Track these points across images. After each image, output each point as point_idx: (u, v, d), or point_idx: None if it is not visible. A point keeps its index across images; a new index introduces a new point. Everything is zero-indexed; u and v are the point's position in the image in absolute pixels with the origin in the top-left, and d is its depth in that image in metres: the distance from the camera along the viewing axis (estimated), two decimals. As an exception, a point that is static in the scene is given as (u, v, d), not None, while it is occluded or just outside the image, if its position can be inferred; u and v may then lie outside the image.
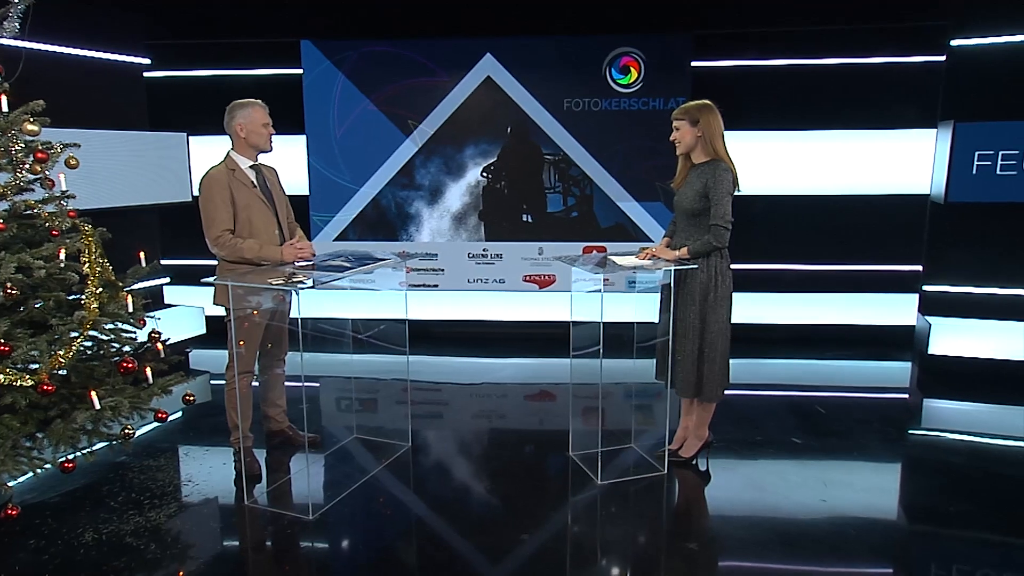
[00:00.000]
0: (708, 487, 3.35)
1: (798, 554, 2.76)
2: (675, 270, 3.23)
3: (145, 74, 5.44)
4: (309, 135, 5.68)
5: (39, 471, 2.77)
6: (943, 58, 5.01)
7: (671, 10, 5.37)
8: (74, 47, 4.83)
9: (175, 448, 3.76)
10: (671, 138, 3.36)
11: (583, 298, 3.66)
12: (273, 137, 3.46)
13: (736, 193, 3.25)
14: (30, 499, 3.16)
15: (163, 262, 5.54)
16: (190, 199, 5.34)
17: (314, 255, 3.40)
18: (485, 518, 3.08)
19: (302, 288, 2.86)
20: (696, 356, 3.31)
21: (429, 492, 3.33)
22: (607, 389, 4.23)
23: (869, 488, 3.33)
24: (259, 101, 3.41)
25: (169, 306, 5.50)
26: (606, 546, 2.87)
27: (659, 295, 3.51)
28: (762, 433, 3.92)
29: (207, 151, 5.60)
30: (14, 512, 2.63)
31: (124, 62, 5.22)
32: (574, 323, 3.57)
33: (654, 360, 3.53)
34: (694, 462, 3.53)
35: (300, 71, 5.57)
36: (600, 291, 3.20)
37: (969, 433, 3.99)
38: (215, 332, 5.49)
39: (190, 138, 5.39)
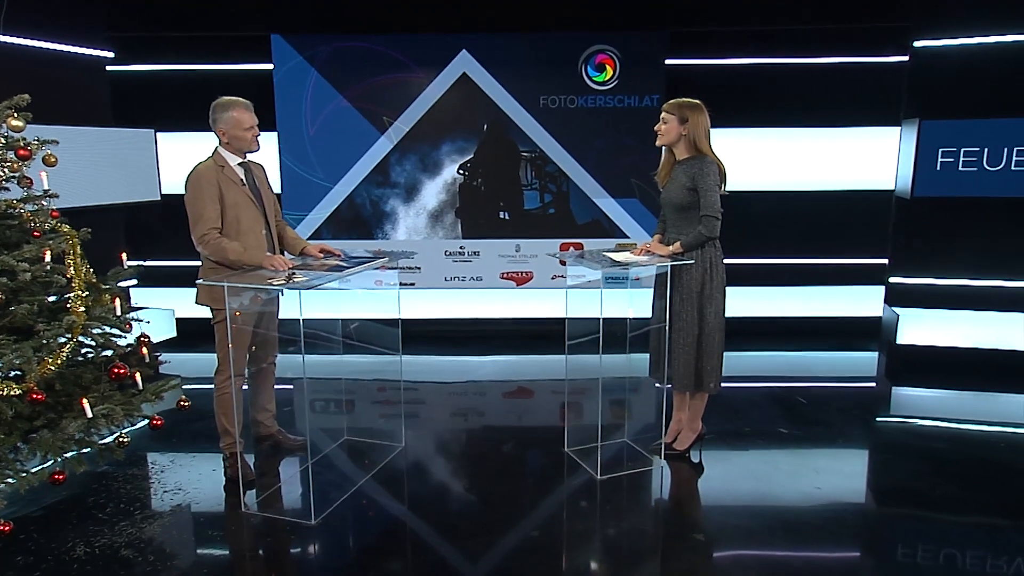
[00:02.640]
0: (706, 478, 3.40)
1: (803, 541, 2.83)
2: (671, 266, 3.27)
3: (108, 68, 5.21)
4: (280, 132, 5.54)
5: (26, 485, 2.63)
6: (906, 58, 5.19)
7: (645, 8, 5.43)
8: (31, 38, 4.60)
9: (159, 455, 3.63)
10: (656, 127, 3.39)
11: (576, 294, 3.68)
12: (259, 137, 3.36)
13: (723, 191, 3.31)
14: (9, 513, 2.99)
15: (129, 263, 5.33)
16: (159, 198, 5.16)
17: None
18: (491, 517, 3.06)
19: (291, 287, 2.79)
20: (695, 349, 3.36)
21: (430, 492, 3.30)
22: (588, 385, 4.26)
23: (859, 474, 3.46)
24: (243, 101, 3.27)
25: (136, 309, 5.29)
26: (614, 540, 2.89)
27: (652, 290, 3.56)
28: (749, 424, 4.01)
29: (175, 148, 5.45)
30: (7, 528, 2.50)
31: (85, 55, 5.00)
32: (570, 319, 3.58)
33: (647, 355, 3.58)
34: (688, 454, 3.59)
35: (271, 66, 5.43)
36: (600, 288, 3.22)
37: (942, 419, 4.16)
38: (185, 335, 5.33)
39: (157, 135, 5.20)
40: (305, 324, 4.03)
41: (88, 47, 5.02)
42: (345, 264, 3.27)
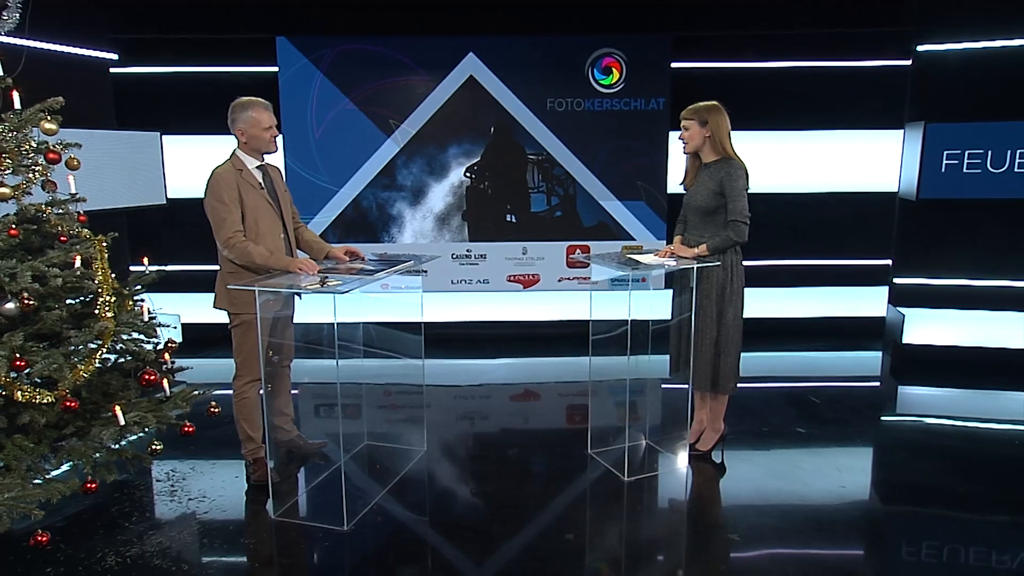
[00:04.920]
0: (732, 479, 3.42)
1: (836, 540, 2.86)
2: (697, 267, 3.29)
3: (112, 70, 5.14)
4: (285, 135, 5.49)
5: (58, 495, 2.57)
6: (909, 62, 5.27)
7: (651, 12, 5.46)
8: (33, 40, 4.50)
9: (179, 463, 3.57)
10: (679, 137, 3.43)
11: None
12: (277, 138, 3.34)
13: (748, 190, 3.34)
14: (34, 525, 2.93)
15: (131, 268, 5.26)
16: (164, 202, 5.09)
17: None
18: (524, 520, 3.05)
19: (326, 291, 2.76)
20: (713, 350, 3.39)
21: (459, 496, 3.29)
22: (598, 387, 4.29)
23: (881, 473, 3.50)
24: (261, 101, 3.26)
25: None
26: (650, 541, 2.89)
27: (672, 292, 3.59)
28: (767, 424, 4.04)
29: (179, 151, 5.38)
30: (44, 539, 2.44)
31: (89, 56, 4.92)
32: (594, 322, 3.59)
33: (662, 356, 3.60)
34: (710, 455, 3.61)
35: (276, 69, 5.39)
36: (628, 290, 3.23)
37: (953, 417, 4.21)
38: (190, 341, 5.25)
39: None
40: (317, 329, 4.02)
41: (91, 49, 4.94)
42: (370, 267, 3.25)
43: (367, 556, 2.80)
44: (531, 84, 5.52)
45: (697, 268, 3.30)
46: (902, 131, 5.39)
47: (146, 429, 2.73)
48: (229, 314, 3.24)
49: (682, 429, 3.67)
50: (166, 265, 5.42)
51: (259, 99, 3.25)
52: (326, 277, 2.91)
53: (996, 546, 2.80)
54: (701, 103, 3.36)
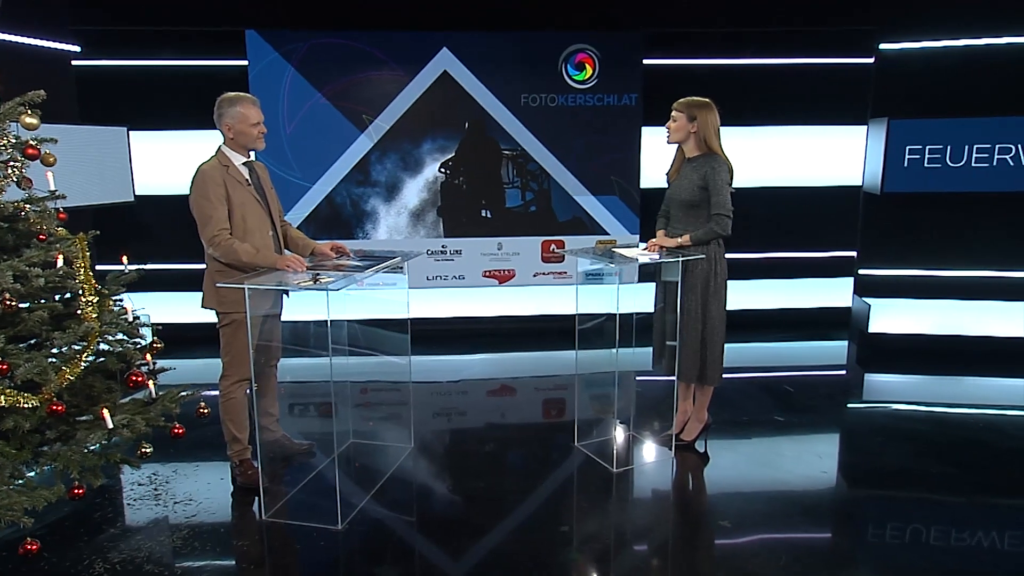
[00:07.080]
0: (717, 467, 3.49)
1: (822, 523, 2.96)
2: (681, 261, 3.35)
3: (74, 62, 4.96)
4: (256, 130, 5.38)
5: (43, 502, 2.49)
6: (872, 60, 5.44)
7: (624, 9, 5.52)
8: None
9: (160, 466, 3.48)
10: (666, 126, 3.47)
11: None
12: (264, 134, 3.28)
13: (732, 188, 3.41)
14: (10, 532, 2.83)
15: (97, 267, 5.10)
16: (132, 199, 4.94)
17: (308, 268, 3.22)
18: (517, 514, 3.07)
19: (319, 289, 2.73)
20: (699, 342, 3.45)
21: (451, 492, 3.29)
22: (569, 381, 4.36)
23: (858, 458, 3.61)
24: (249, 96, 3.21)
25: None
26: (646, 531, 2.94)
27: (655, 285, 3.64)
28: (746, 413, 4.13)
29: (145, 147, 5.24)
30: (34, 547, 2.36)
31: (49, 48, 4.74)
32: (579, 316, 3.63)
33: (644, 348, 3.66)
34: (694, 444, 3.68)
35: (246, 63, 5.28)
36: (617, 284, 3.27)
37: (921, 403, 4.36)
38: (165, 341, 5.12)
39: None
40: (303, 327, 3.97)
41: (52, 40, 4.76)
42: (357, 263, 3.23)
43: (365, 555, 2.78)
44: (505, 79, 5.52)
45: (682, 261, 3.36)
46: (866, 127, 5.56)
47: (135, 434, 2.66)
48: (217, 313, 3.18)
49: (666, 420, 3.73)
50: (135, 264, 5.35)
51: (247, 94, 3.20)
52: (317, 274, 2.87)
53: (971, 524, 2.92)
54: (694, 98, 3.38)
